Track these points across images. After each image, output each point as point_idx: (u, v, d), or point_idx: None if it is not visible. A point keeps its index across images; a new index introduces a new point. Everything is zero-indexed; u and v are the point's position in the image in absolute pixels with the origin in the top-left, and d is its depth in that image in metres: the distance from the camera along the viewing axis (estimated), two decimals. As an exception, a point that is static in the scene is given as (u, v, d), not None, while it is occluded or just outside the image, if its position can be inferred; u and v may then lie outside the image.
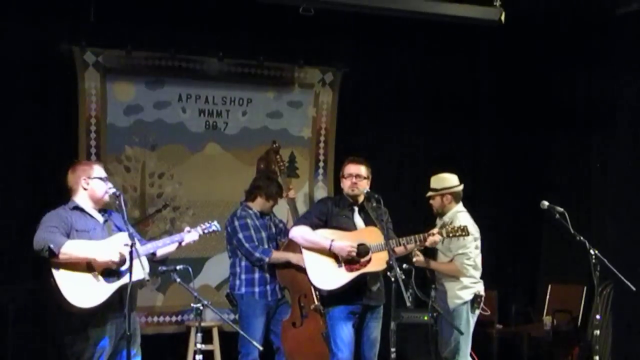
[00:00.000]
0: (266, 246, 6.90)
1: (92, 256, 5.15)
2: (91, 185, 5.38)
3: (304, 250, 6.15)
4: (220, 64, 8.06)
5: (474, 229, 6.57)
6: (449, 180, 6.79)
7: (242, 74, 8.21)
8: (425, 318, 7.31)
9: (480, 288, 6.67)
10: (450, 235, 6.01)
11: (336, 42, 8.49)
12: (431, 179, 6.86)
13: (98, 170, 5.45)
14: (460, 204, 6.80)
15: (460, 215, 6.66)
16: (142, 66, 7.78)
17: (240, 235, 6.80)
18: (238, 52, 8.13)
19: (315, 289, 6.51)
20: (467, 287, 6.62)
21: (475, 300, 6.61)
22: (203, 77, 8.05)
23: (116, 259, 5.18)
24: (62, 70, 7.46)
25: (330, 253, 6.01)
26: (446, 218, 6.72)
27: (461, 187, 6.81)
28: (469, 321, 6.65)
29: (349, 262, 6.00)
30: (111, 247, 5.22)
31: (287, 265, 6.85)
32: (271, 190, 6.99)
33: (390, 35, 8.52)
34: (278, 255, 6.87)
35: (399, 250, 6.12)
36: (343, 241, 5.97)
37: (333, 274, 6.01)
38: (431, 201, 6.80)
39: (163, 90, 7.89)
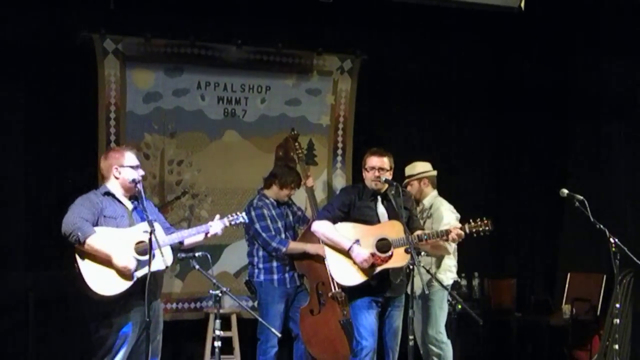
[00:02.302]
0: (283, 236, 6.91)
1: (111, 256, 5.19)
2: (123, 173, 5.43)
3: (325, 246, 6.13)
4: (239, 51, 8.05)
5: (453, 214, 6.75)
6: (423, 166, 7.05)
7: (261, 61, 8.19)
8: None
9: (455, 275, 6.98)
10: (474, 230, 5.98)
11: (355, 29, 8.47)
12: (405, 168, 7.05)
13: (130, 158, 5.49)
14: (436, 191, 7.01)
15: (439, 199, 6.90)
16: (161, 54, 7.77)
17: (257, 226, 6.81)
18: (257, 40, 8.11)
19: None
20: (448, 270, 6.85)
21: (453, 287, 6.91)
22: (222, 65, 8.04)
23: (131, 267, 5.21)
24: (81, 58, 7.46)
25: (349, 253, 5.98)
26: (425, 202, 6.95)
27: (435, 173, 7.03)
28: (443, 301, 6.80)
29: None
30: (133, 242, 5.26)
31: (305, 253, 6.87)
32: (285, 180, 6.98)
33: (410, 22, 8.48)
34: (295, 246, 6.88)
35: (421, 244, 6.12)
36: (362, 247, 5.92)
37: (354, 270, 5.97)
38: (408, 187, 6.94)
39: (182, 77, 7.89)
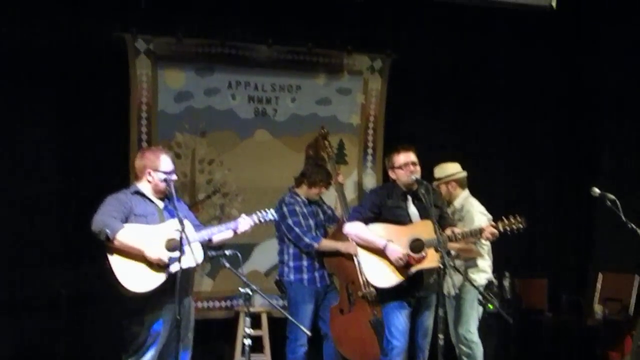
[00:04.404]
0: (314, 234, 6.92)
1: (143, 249, 5.21)
2: (155, 178, 5.44)
3: (358, 248, 6.10)
4: (270, 50, 8.08)
5: (484, 216, 6.67)
6: (452, 167, 7.00)
7: (291, 60, 8.22)
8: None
9: (491, 275, 6.92)
10: (507, 228, 5.94)
11: (385, 28, 8.46)
12: (434, 169, 7.00)
13: (165, 163, 5.48)
14: (467, 190, 6.97)
15: (470, 201, 6.87)
16: (192, 53, 7.82)
17: (290, 221, 6.83)
18: (287, 39, 8.14)
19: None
20: (482, 271, 6.82)
21: (487, 287, 6.82)
22: (252, 64, 8.07)
23: (165, 259, 5.23)
24: (113, 58, 7.52)
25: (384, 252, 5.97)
26: (456, 204, 6.91)
27: (465, 174, 6.98)
28: (475, 300, 6.77)
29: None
30: (163, 239, 5.28)
31: (335, 252, 6.87)
32: (314, 179, 6.98)
33: (440, 21, 8.47)
34: (327, 244, 6.89)
35: (452, 246, 6.10)
36: (397, 245, 5.90)
37: (388, 272, 5.95)
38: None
39: (213, 77, 7.93)
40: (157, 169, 5.44)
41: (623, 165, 8.93)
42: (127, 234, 5.22)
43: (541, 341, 8.75)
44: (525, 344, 8.52)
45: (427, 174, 6.27)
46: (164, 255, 5.24)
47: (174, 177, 5.50)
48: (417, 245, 5.89)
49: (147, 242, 5.25)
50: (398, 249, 5.88)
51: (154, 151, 5.65)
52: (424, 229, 5.92)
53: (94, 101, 7.51)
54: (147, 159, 5.50)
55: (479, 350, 6.79)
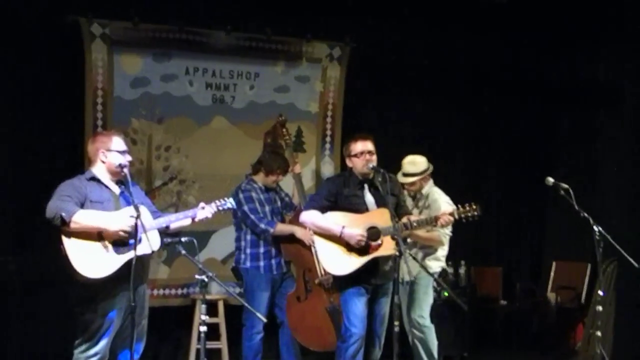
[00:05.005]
0: (271, 220, 6.92)
1: (103, 225, 5.17)
2: (109, 158, 5.39)
3: (315, 236, 6.13)
4: (228, 37, 8.04)
5: (450, 206, 6.60)
6: (423, 162, 6.95)
7: (250, 47, 8.19)
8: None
9: (444, 264, 6.98)
10: (462, 215, 5.98)
11: (344, 17, 8.46)
12: (404, 163, 6.93)
13: (117, 142, 5.44)
14: (431, 179, 6.98)
15: (435, 189, 6.90)
16: (149, 38, 7.75)
17: (245, 208, 6.82)
18: (246, 26, 8.11)
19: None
20: (437, 259, 6.89)
21: (441, 275, 6.88)
22: (210, 51, 8.03)
23: (127, 228, 5.18)
24: (69, 42, 7.44)
25: (341, 238, 6.00)
26: (423, 191, 6.92)
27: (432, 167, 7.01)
28: (429, 286, 6.85)
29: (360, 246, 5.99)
30: (122, 217, 5.24)
31: (292, 239, 6.88)
32: (271, 166, 6.98)
33: (399, 11, 8.48)
34: (283, 228, 6.90)
35: (414, 235, 6.13)
36: (353, 228, 5.93)
37: (344, 259, 5.98)
38: (411, 186, 6.87)
39: (170, 63, 7.88)
40: (110, 148, 5.40)
41: (577, 157, 9.04)
42: (84, 215, 5.17)
43: (495, 328, 8.84)
44: (480, 331, 8.61)
45: (386, 162, 6.27)
46: (128, 223, 5.18)
47: (128, 157, 5.46)
48: (373, 233, 5.93)
49: (107, 219, 5.21)
50: (355, 232, 5.91)
51: (105, 133, 5.68)
52: (381, 217, 5.96)
53: (48, 86, 7.42)
54: (99, 141, 5.46)
55: (431, 334, 6.84)
